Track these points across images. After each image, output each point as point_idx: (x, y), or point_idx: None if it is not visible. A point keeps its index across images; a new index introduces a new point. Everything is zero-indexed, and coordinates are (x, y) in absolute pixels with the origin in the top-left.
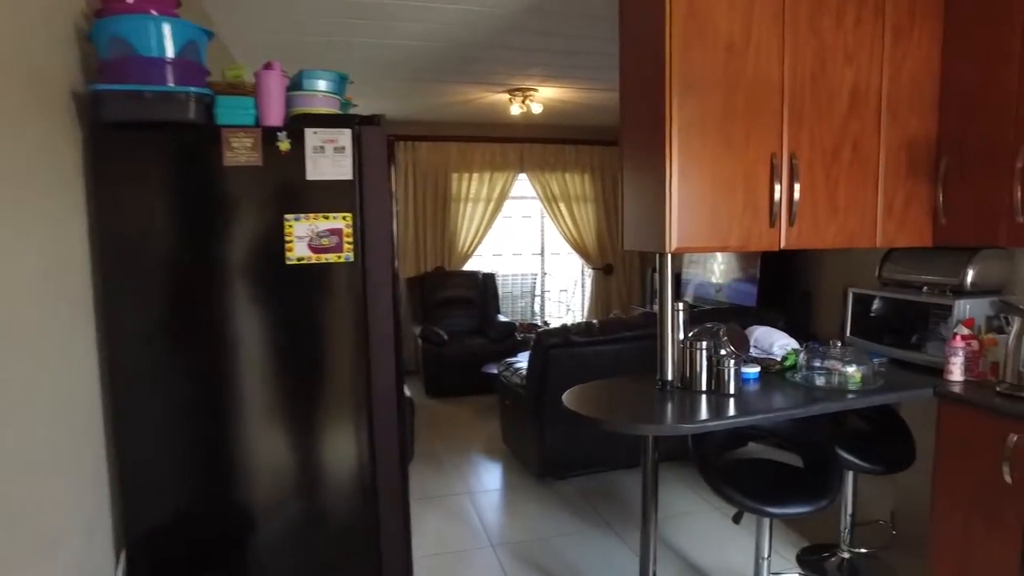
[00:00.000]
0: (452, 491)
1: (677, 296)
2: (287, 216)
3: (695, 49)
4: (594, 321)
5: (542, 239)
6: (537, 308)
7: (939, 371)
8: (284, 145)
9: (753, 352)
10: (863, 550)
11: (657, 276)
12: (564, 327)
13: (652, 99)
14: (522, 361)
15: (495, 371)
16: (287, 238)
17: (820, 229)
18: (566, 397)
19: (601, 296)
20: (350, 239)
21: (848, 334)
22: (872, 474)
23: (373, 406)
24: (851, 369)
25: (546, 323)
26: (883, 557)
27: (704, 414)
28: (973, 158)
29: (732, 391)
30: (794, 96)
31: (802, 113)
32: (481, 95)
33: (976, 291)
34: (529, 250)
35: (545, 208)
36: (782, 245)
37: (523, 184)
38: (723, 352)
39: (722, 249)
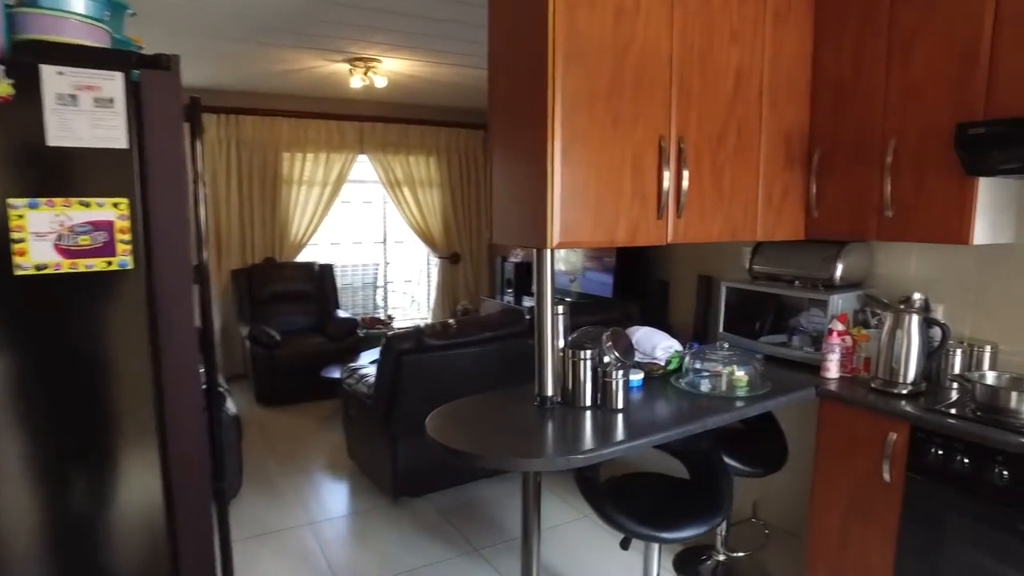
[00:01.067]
0: (291, 523)
1: (522, 291)
2: (13, 202)
3: (582, 8)
4: (450, 321)
5: (384, 226)
6: (380, 300)
7: (808, 366)
8: (3, 88)
9: (635, 356)
10: (740, 553)
11: (535, 273)
12: (417, 329)
13: (531, 68)
14: (369, 367)
15: (337, 375)
16: (15, 235)
17: (706, 221)
18: (432, 425)
19: (448, 287)
20: (126, 236)
21: (721, 330)
22: (751, 477)
23: (168, 444)
24: (739, 372)
25: (390, 317)
26: (759, 558)
27: (593, 440)
28: (844, 151)
29: (620, 405)
30: (683, 73)
31: (691, 93)
32: (318, 64)
33: (844, 285)
34: (371, 238)
35: (388, 193)
36: (669, 239)
37: (364, 166)
38: (607, 359)
39: (608, 243)
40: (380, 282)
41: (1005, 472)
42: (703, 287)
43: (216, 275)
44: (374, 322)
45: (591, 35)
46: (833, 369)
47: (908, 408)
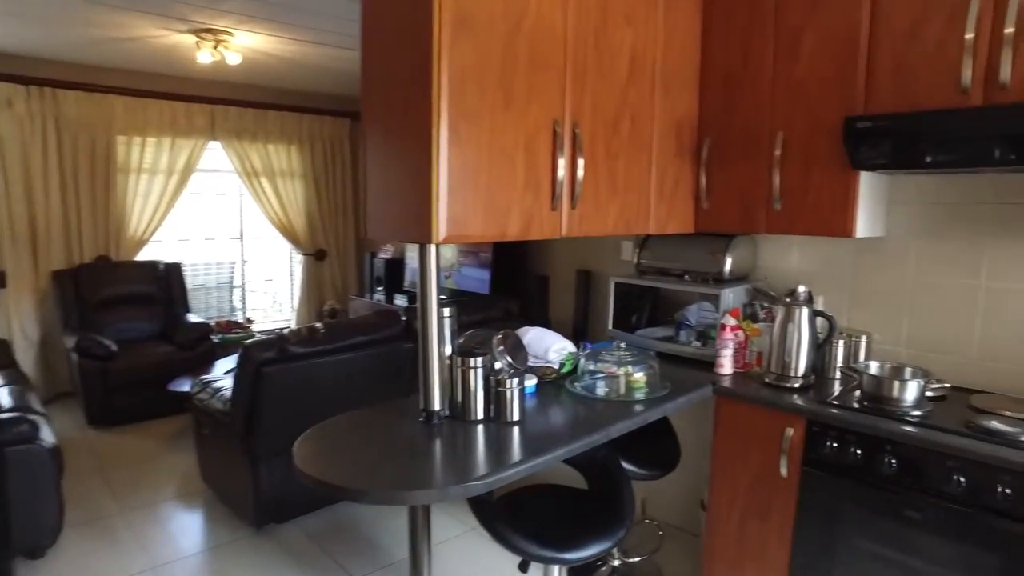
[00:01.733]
0: (131, 570)
1: (393, 287)
2: None
3: None
4: (317, 325)
5: (241, 221)
6: (238, 302)
7: (700, 362)
8: None
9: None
10: (635, 558)
11: (419, 272)
12: (280, 336)
13: (415, 36)
14: (225, 379)
15: (187, 389)
16: None
17: (601, 212)
18: (301, 453)
19: (314, 286)
20: None
21: (611, 327)
22: (648, 480)
23: None
24: (637, 374)
25: (249, 320)
26: (655, 560)
27: (490, 462)
28: (734, 143)
29: (516, 417)
30: (578, 53)
31: (585, 75)
32: (158, 33)
33: (732, 279)
34: (226, 234)
35: (244, 184)
36: (564, 232)
37: (217, 154)
38: (499, 366)
39: (500, 237)
40: (237, 282)
41: (893, 461)
42: (582, 282)
43: (31, 277)
44: (231, 326)
45: (482, 1)
46: (727, 365)
47: (804, 403)
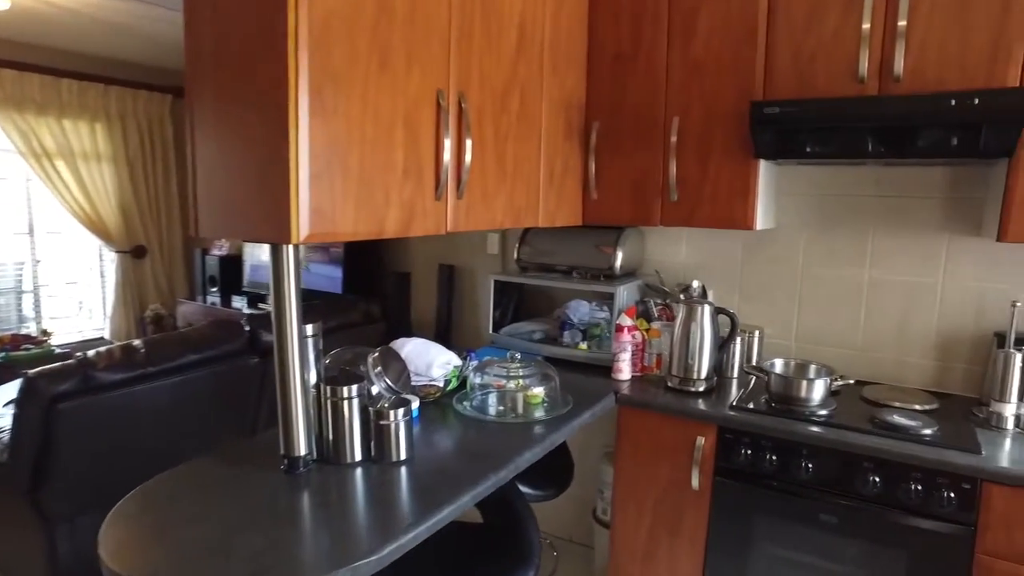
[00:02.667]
0: None
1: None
2: None
3: None
4: (135, 343)
5: (30, 212)
6: (30, 310)
7: (592, 367)
8: None
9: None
10: None
11: (270, 280)
12: (82, 361)
13: None
14: (3, 413)
15: None
16: None
17: (490, 203)
18: (109, 540)
19: (132, 288)
20: None
21: (491, 330)
22: (543, 500)
23: None
24: (537, 389)
25: (47, 332)
26: None
27: (377, 527)
28: (626, 128)
29: (403, 455)
30: (464, 13)
31: (472, 39)
32: None
33: (623, 275)
34: (10, 229)
35: (33, 167)
36: (449, 226)
37: None
38: (377, 389)
39: (376, 234)
40: (29, 286)
41: (809, 465)
42: (445, 278)
43: None
44: (19, 340)
45: None
46: (626, 370)
47: (716, 409)
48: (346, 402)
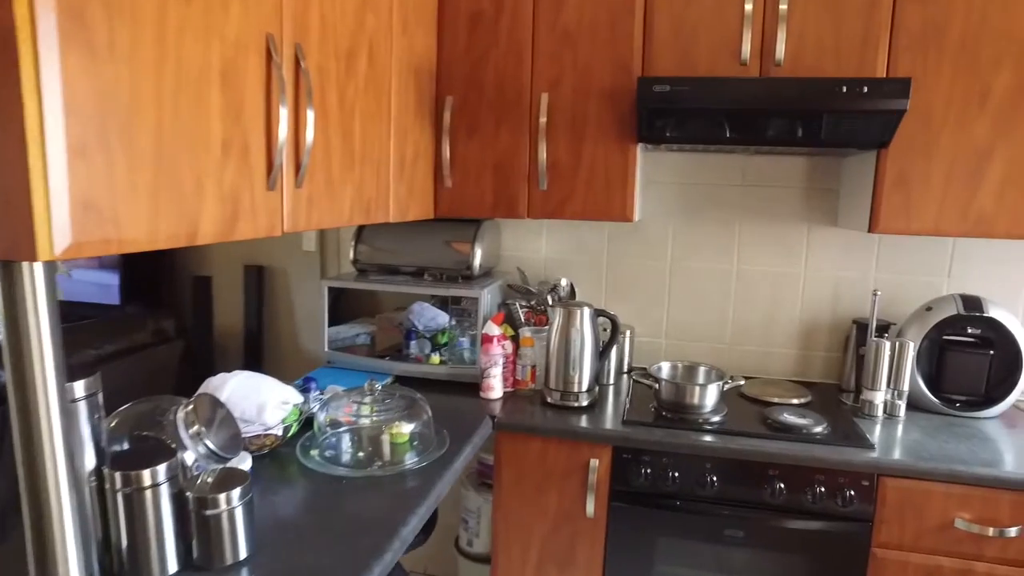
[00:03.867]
0: None
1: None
2: None
3: None
4: None
5: None
6: None
7: (450, 384)
8: None
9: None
10: None
11: (4, 321)
12: None
13: None
14: None
15: None
16: None
17: (335, 193)
18: None
19: None
20: None
21: (326, 347)
22: (412, 549)
23: None
24: (408, 427)
25: None
26: None
27: None
28: (486, 103)
29: (242, 553)
30: None
31: None
32: None
33: (482, 274)
34: None
35: None
36: (287, 225)
37: None
38: (193, 458)
39: (189, 239)
40: None
41: (713, 478)
42: (253, 281)
43: None
44: None
45: None
46: (497, 387)
47: (610, 426)
48: (149, 492)
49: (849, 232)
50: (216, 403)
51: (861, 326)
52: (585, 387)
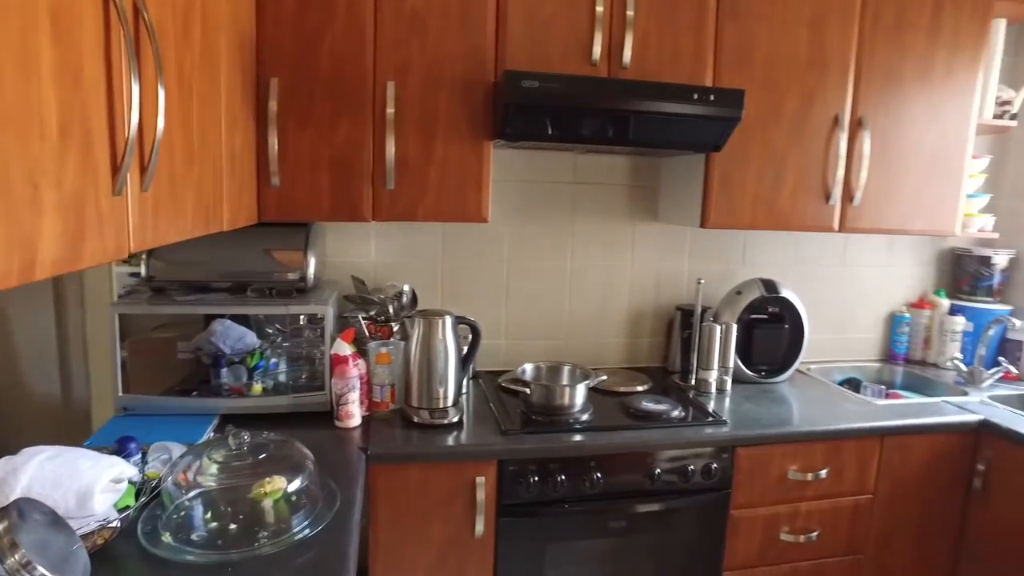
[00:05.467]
0: None
1: None
2: None
3: None
4: None
5: None
6: None
7: (282, 416)
8: None
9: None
10: None
11: None
12: None
13: None
14: None
15: None
16: None
17: (179, 197)
18: None
19: None
20: None
21: (121, 391)
22: None
23: None
24: (291, 483)
25: None
26: None
27: None
28: (322, 89)
29: None
30: None
31: None
32: None
33: (314, 287)
34: None
35: None
36: (132, 244)
37: None
38: None
39: (21, 279)
40: None
41: (597, 475)
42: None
43: None
44: None
45: None
46: (357, 414)
47: (493, 440)
48: None
49: (667, 226)
50: (33, 508)
51: (684, 312)
52: (451, 401)
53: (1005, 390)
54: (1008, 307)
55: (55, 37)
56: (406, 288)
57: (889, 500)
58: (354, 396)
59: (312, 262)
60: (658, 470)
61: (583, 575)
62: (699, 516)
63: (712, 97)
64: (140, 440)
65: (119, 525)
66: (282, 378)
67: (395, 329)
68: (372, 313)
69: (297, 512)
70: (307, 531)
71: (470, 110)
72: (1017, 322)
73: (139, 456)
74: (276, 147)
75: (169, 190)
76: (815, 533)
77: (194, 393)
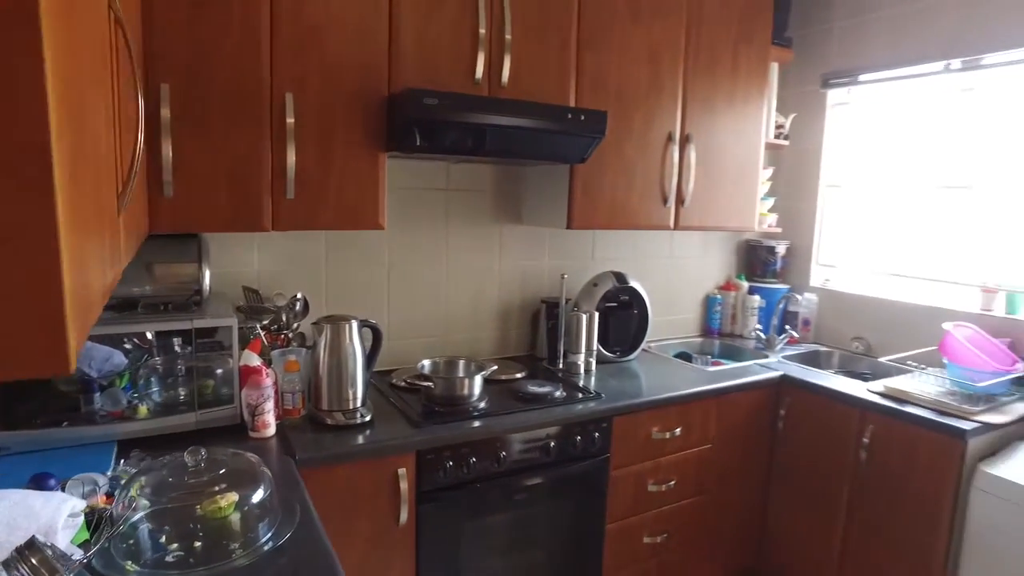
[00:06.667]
0: None
1: None
2: None
3: None
4: None
5: None
6: None
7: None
8: None
9: None
10: None
11: None
12: None
13: None
14: None
15: None
16: None
17: (103, 208)
18: None
19: None
20: None
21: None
22: None
23: None
24: (258, 495)
25: None
26: None
27: None
28: (218, 97)
29: None
30: None
31: None
32: None
33: (208, 298)
34: None
35: None
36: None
37: None
38: None
39: None
40: None
41: (503, 453)
42: None
43: None
44: None
45: None
46: (272, 423)
47: (410, 432)
48: None
49: (529, 228)
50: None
51: (549, 304)
52: (361, 402)
53: (792, 351)
54: (787, 286)
55: None
56: (299, 295)
57: (723, 447)
58: (270, 406)
59: (207, 274)
60: (552, 444)
61: (493, 546)
62: (585, 480)
63: (583, 117)
64: (57, 476)
65: (80, 557)
66: (155, 396)
67: (291, 337)
68: (266, 322)
69: (262, 521)
70: (274, 539)
71: (366, 122)
72: (799, 297)
73: (56, 488)
74: (170, 156)
75: (94, 201)
76: (673, 482)
77: (64, 424)
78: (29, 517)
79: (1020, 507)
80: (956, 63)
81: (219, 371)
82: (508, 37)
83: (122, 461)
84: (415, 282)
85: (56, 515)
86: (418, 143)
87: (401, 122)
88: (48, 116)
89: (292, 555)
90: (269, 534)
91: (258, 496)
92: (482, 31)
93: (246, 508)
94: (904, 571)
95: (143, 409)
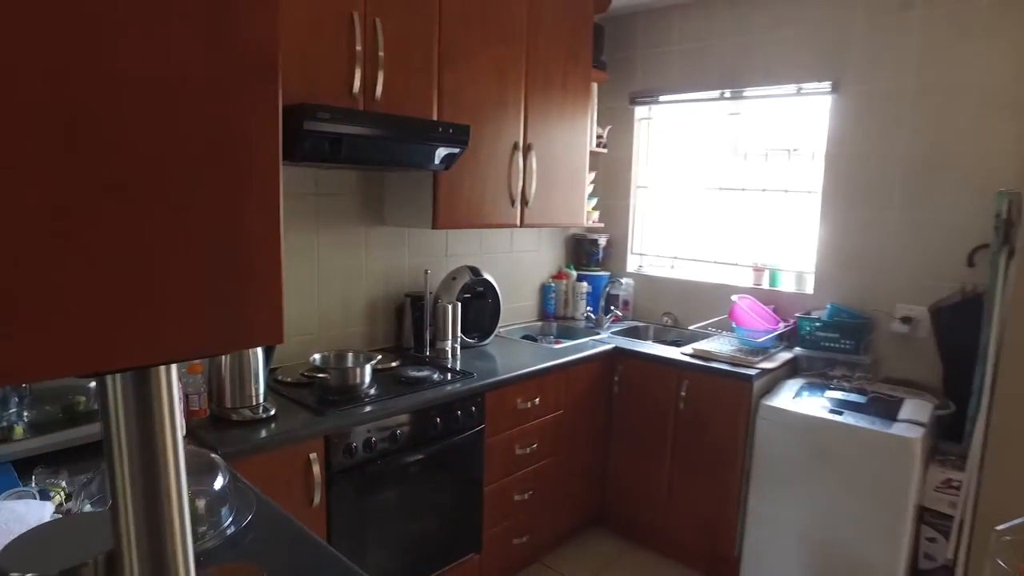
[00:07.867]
0: None
1: None
2: None
3: None
4: None
5: None
6: None
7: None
8: None
9: None
10: None
11: None
12: None
13: None
14: None
15: None
16: None
17: None
18: None
19: None
20: None
21: None
22: None
23: None
24: (201, 502)
25: None
26: None
27: None
28: None
29: None
30: None
31: None
32: None
33: None
34: None
35: None
36: None
37: None
38: None
39: None
40: None
41: (399, 431)
42: None
43: None
44: None
45: None
46: (183, 425)
47: (318, 419)
48: None
49: (391, 228)
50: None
51: (414, 298)
52: (263, 397)
53: (617, 328)
54: (609, 272)
55: None
56: None
57: (572, 413)
58: (180, 408)
59: None
60: (438, 420)
61: (393, 518)
62: (466, 450)
63: (451, 130)
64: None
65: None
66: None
67: None
68: None
69: (223, 507)
70: (238, 520)
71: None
72: (619, 282)
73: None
74: None
75: None
76: (535, 445)
77: None
78: (19, 521)
79: (787, 426)
80: (728, 92)
81: None
82: (381, 54)
83: (33, 476)
84: (289, 283)
85: (43, 514)
86: (307, 153)
87: (292, 134)
88: None
89: (261, 529)
90: (230, 521)
91: (219, 483)
92: (359, 48)
93: (217, 496)
94: (713, 494)
95: (19, 429)
